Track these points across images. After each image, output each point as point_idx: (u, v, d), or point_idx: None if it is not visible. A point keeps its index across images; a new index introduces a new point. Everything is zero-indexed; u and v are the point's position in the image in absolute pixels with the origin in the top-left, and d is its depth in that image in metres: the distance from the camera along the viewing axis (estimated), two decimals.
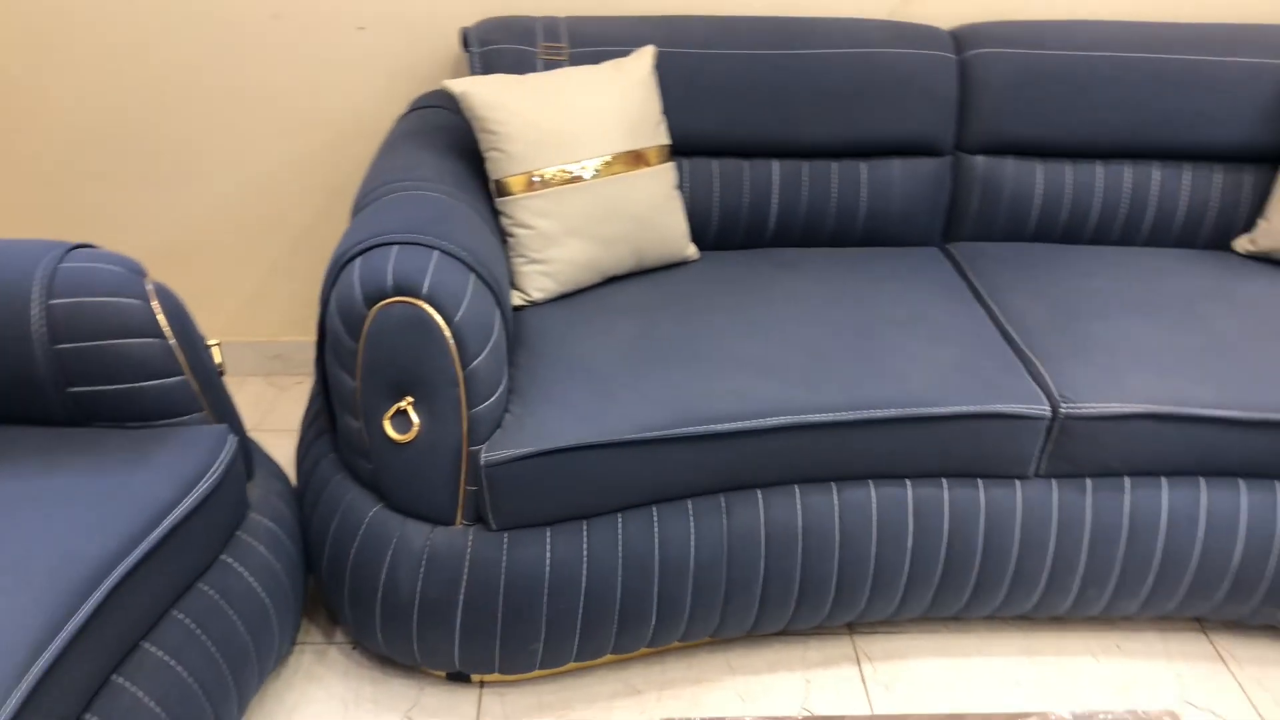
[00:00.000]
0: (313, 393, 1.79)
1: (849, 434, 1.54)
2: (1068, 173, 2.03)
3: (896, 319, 1.73)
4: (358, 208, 1.61)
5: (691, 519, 1.55)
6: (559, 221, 1.68)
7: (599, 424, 1.45)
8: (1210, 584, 1.69)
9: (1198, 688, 1.74)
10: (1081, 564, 1.67)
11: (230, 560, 1.39)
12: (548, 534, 1.49)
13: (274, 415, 2.28)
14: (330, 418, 1.59)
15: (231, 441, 1.38)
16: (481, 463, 1.42)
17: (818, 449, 1.55)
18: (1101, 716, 1.15)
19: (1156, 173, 2.04)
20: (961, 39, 2.02)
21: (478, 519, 1.50)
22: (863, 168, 2.00)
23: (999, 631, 1.82)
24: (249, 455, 1.53)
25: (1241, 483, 1.66)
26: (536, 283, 1.71)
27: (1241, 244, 2.02)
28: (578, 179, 1.69)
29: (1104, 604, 1.73)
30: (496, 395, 1.45)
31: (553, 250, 1.69)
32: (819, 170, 1.98)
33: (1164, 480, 1.66)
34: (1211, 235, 2.06)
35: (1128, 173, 2.03)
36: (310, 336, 2.39)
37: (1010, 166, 2.02)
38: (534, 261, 1.70)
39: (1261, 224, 1.97)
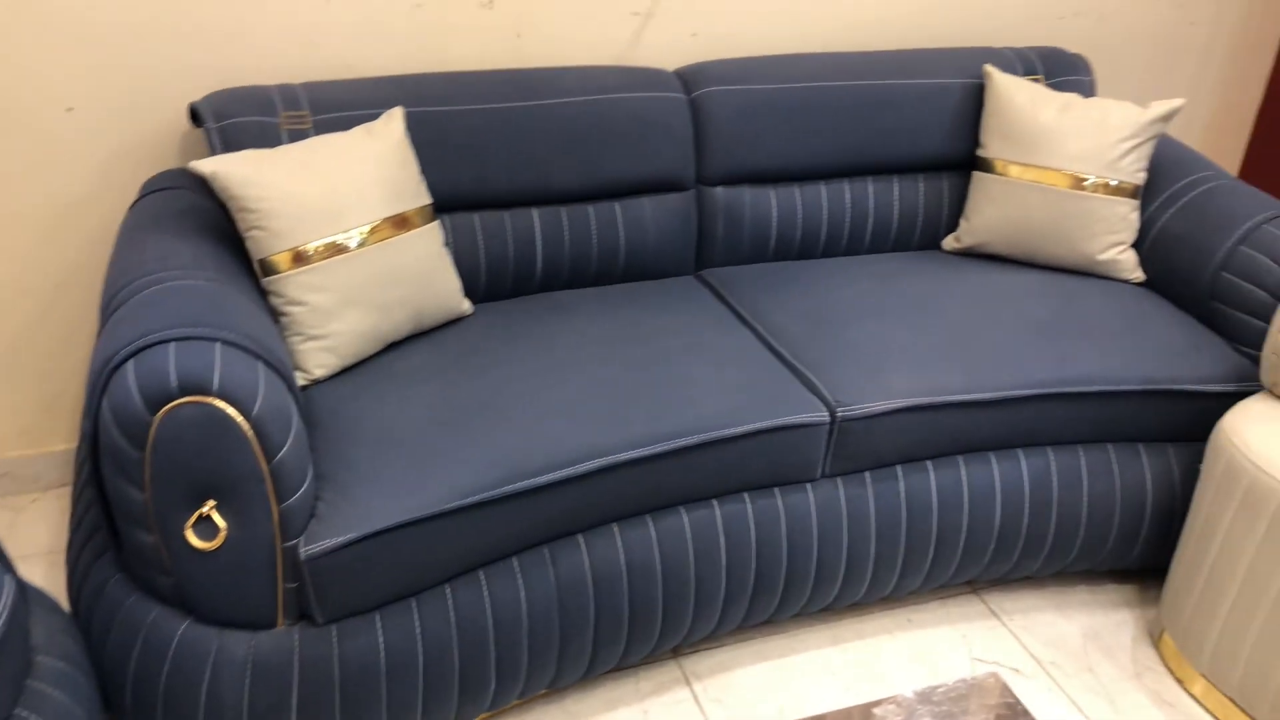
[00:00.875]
0: (77, 511, 1.62)
1: (659, 466, 1.60)
2: (797, 195, 2.20)
3: (676, 349, 1.81)
4: (110, 307, 1.48)
5: (519, 576, 1.54)
6: (333, 294, 1.63)
7: (420, 496, 1.42)
8: (979, 550, 1.88)
9: (980, 644, 1.93)
10: (872, 552, 1.81)
11: (26, 714, 1.23)
12: (377, 619, 1.44)
13: (15, 541, 2.04)
14: (112, 534, 1.45)
15: (9, 585, 1.23)
16: (301, 557, 1.35)
17: (632, 485, 1.59)
18: (940, 690, 1.26)
19: (871, 187, 2.25)
20: (688, 79, 2.15)
21: (301, 616, 1.41)
22: (617, 208, 2.07)
23: (807, 627, 1.94)
24: (25, 593, 1.36)
25: (992, 456, 1.86)
26: (318, 359, 1.64)
27: (949, 243, 2.28)
28: (345, 249, 1.65)
29: (894, 584, 1.88)
30: (306, 485, 1.38)
31: (331, 324, 1.63)
32: (577, 214, 2.04)
33: (930, 464, 1.84)
34: (923, 237, 2.30)
35: (847, 190, 2.24)
36: (41, 449, 2.15)
37: (747, 194, 2.16)
38: (312, 338, 1.63)
39: (963, 223, 2.23)
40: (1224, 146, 2.89)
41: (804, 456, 1.73)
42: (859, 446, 1.76)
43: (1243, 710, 1.75)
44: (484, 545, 1.49)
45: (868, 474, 1.81)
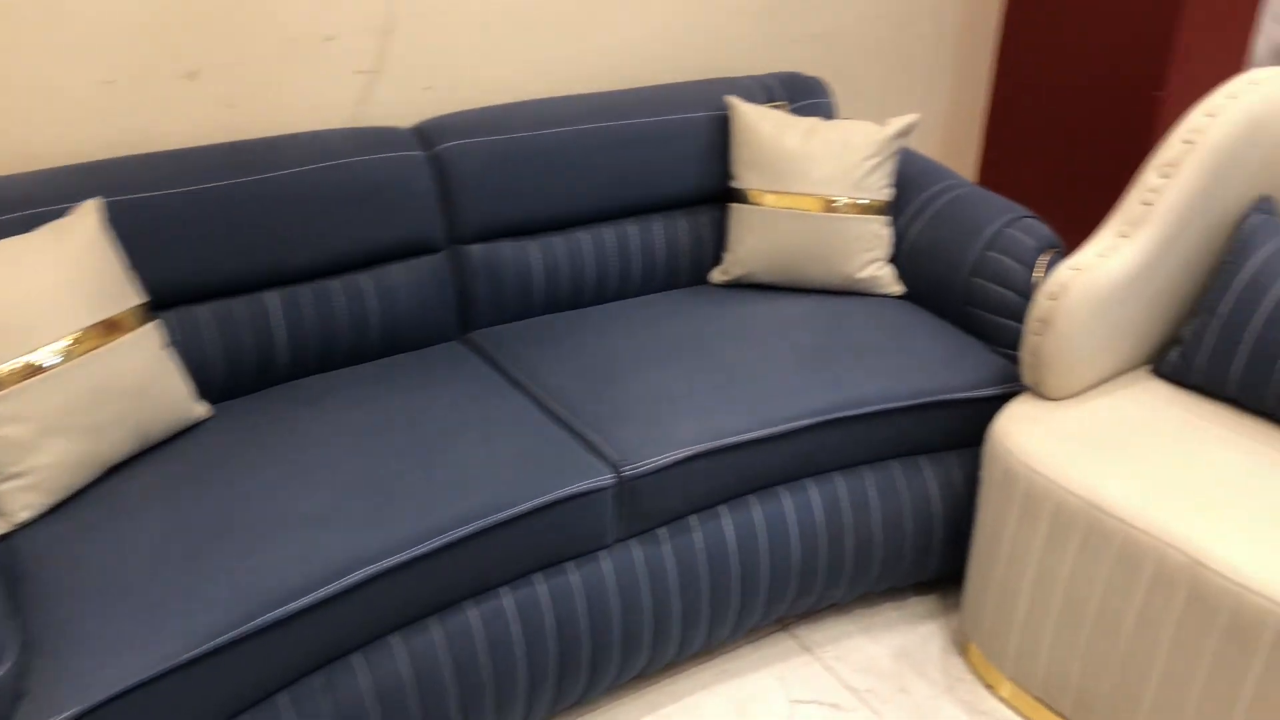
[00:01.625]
0: None
1: (435, 564, 1.46)
2: (558, 244, 2.11)
3: (445, 427, 1.68)
4: None
5: (295, 712, 1.36)
6: (30, 424, 1.40)
7: (151, 652, 1.22)
8: (782, 587, 1.84)
9: (797, 684, 1.88)
10: (677, 609, 1.74)
11: None
12: None
13: None
14: None
15: None
16: None
17: (408, 590, 1.45)
18: None
19: (632, 228, 2.20)
20: (426, 135, 2.02)
21: None
22: (364, 280, 1.92)
23: (620, 699, 1.84)
24: None
25: (782, 491, 1.82)
26: (20, 500, 1.41)
27: (717, 275, 2.25)
28: (40, 369, 1.43)
29: (704, 638, 1.81)
30: (5, 668, 1.16)
31: (32, 458, 1.41)
32: (319, 292, 1.87)
33: (723, 509, 1.78)
34: (691, 273, 2.26)
35: (609, 233, 2.17)
36: None
37: (506, 249, 2.06)
38: (10, 477, 1.40)
39: (728, 256, 2.21)
40: (961, 154, 3.02)
41: (593, 524, 1.63)
42: (650, 504, 1.68)
43: (1049, 708, 1.77)
44: (239, 690, 1.31)
45: (662, 530, 1.73)
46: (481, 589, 1.55)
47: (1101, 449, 1.68)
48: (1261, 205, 1.82)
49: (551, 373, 1.87)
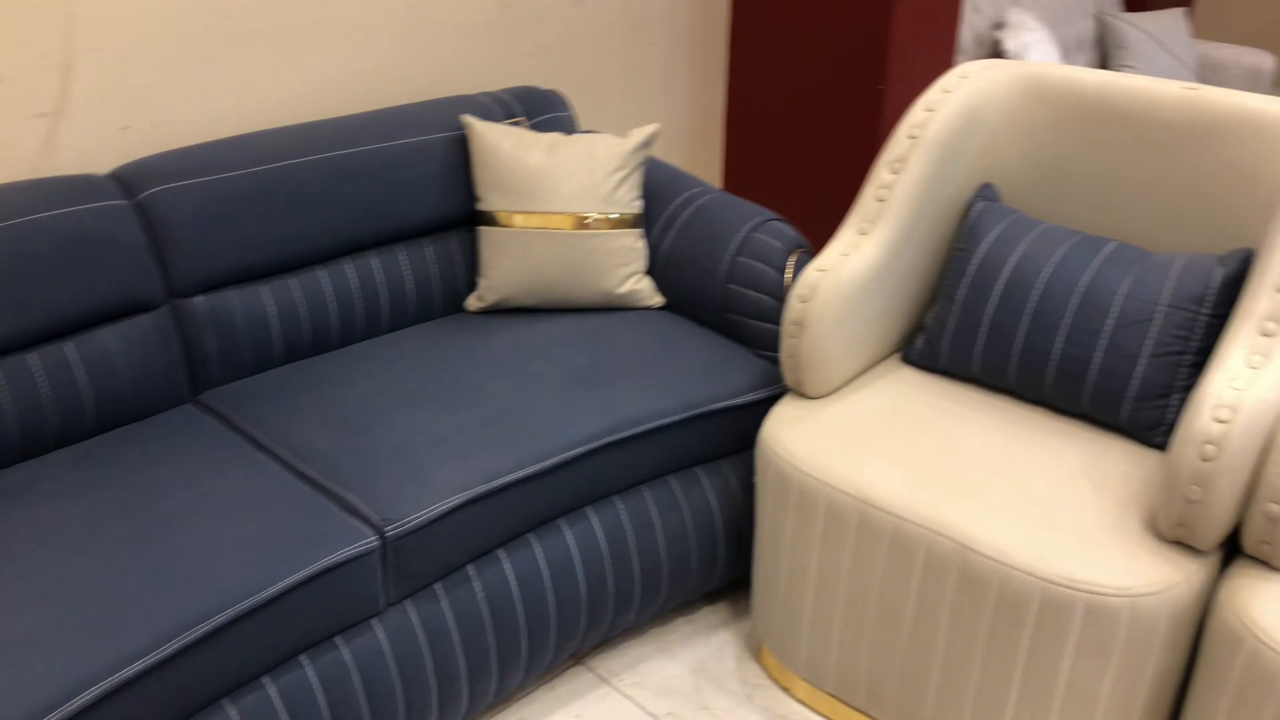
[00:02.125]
0: None
1: (182, 665, 1.29)
2: (294, 287, 1.95)
3: (178, 508, 1.50)
4: None
5: None
6: None
7: None
8: (572, 622, 1.77)
9: (597, 717, 1.82)
10: (462, 667, 1.63)
11: None
12: None
13: None
14: None
15: None
16: None
17: (149, 701, 1.27)
18: None
19: (375, 261, 2.06)
20: (128, 180, 1.82)
21: None
22: (69, 349, 1.70)
23: None
24: None
25: (562, 523, 1.76)
26: None
27: (472, 303, 2.15)
28: None
29: (494, 690, 1.72)
30: None
31: None
32: (15, 368, 1.64)
33: (501, 553, 1.69)
34: (445, 303, 2.15)
35: (350, 269, 2.03)
36: None
37: (234, 298, 1.88)
38: None
39: (482, 281, 2.11)
40: (706, 160, 3.05)
41: (361, 592, 1.51)
42: (421, 560, 1.57)
43: (843, 703, 1.80)
44: None
45: (438, 586, 1.62)
46: (240, 684, 1.39)
47: (864, 443, 1.71)
48: (983, 192, 1.91)
49: (298, 429, 1.72)
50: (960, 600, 1.56)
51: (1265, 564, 1.46)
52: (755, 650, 1.96)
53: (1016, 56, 3.20)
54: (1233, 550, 1.52)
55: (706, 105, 2.97)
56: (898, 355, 1.97)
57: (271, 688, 1.42)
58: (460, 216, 2.15)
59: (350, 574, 1.48)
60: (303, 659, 1.46)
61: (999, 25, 3.34)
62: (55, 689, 1.21)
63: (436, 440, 1.68)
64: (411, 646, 1.57)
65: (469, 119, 2.10)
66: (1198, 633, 1.51)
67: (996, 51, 3.28)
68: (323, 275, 2.00)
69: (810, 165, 2.81)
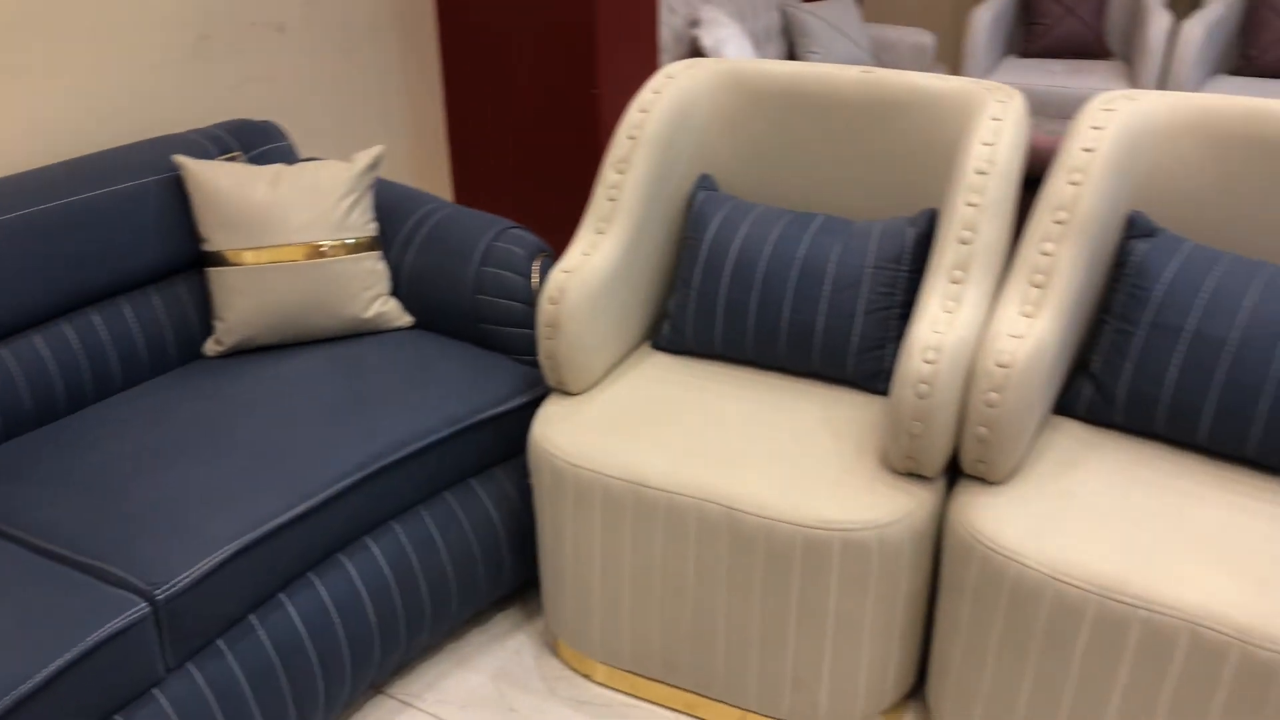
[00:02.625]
0: None
1: None
2: (5, 357, 1.81)
3: None
4: None
5: None
6: None
7: None
8: (366, 653, 1.76)
9: None
10: (259, 719, 1.59)
11: None
12: None
13: None
14: None
15: None
16: None
17: None
18: None
19: (97, 318, 1.95)
20: None
21: None
22: None
23: None
24: None
25: (342, 557, 1.74)
26: None
27: (211, 347, 2.07)
28: None
29: None
30: None
31: None
32: None
33: (283, 596, 1.65)
34: (181, 352, 2.06)
35: (69, 330, 1.91)
36: None
37: None
38: None
39: (218, 324, 2.04)
40: (435, 177, 3.06)
41: (137, 662, 1.44)
42: (198, 619, 1.51)
43: (643, 676, 1.88)
44: None
45: (220, 641, 1.57)
46: None
47: (629, 430, 1.79)
48: (702, 183, 2.04)
49: (38, 506, 1.60)
50: (734, 559, 1.68)
51: (982, 480, 1.66)
52: (552, 645, 2.02)
53: (713, 52, 3.42)
54: (956, 474, 1.73)
55: (428, 122, 2.98)
56: (649, 343, 2.07)
57: None
58: (186, 260, 2.06)
59: (123, 646, 1.40)
60: None
61: (694, 23, 3.55)
62: None
63: (197, 493, 1.62)
64: (201, 708, 1.51)
65: (181, 159, 2.02)
66: (937, 550, 1.70)
67: (695, 48, 3.49)
68: (38, 340, 1.87)
69: (538, 171, 2.89)
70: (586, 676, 1.95)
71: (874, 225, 1.90)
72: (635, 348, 2.05)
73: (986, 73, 4.39)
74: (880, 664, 1.72)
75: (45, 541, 1.54)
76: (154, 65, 2.23)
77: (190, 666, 1.53)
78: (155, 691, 1.48)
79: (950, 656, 1.68)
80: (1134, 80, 4.21)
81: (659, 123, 1.94)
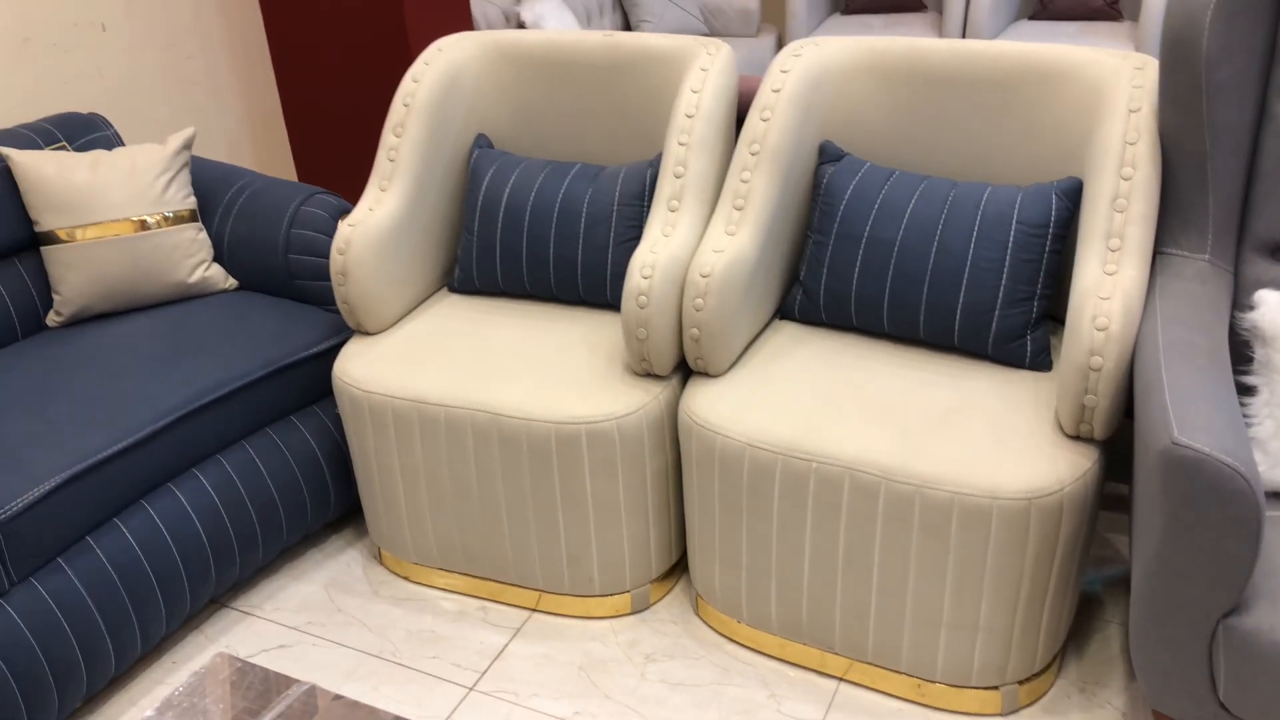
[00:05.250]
0: None
1: None
2: None
3: None
4: None
5: None
6: None
7: None
8: (202, 569, 2.03)
9: (243, 646, 2.10)
10: (103, 626, 1.86)
11: None
12: None
13: None
14: None
15: None
16: None
17: None
18: (177, 693, 1.40)
19: None
20: None
21: None
22: None
23: None
24: None
25: (172, 486, 2.00)
26: None
27: (52, 319, 2.31)
28: None
29: (140, 644, 1.95)
30: None
31: None
32: None
33: (118, 521, 1.92)
34: (26, 324, 2.30)
35: None
36: None
37: None
38: None
39: (56, 298, 2.28)
40: (275, 156, 3.30)
41: None
42: (35, 541, 1.78)
43: (450, 571, 2.19)
44: None
45: (59, 560, 1.83)
46: None
47: (416, 359, 2.09)
48: (478, 142, 2.33)
49: None
50: (505, 458, 1.99)
51: (706, 375, 1.99)
52: (377, 555, 2.31)
53: (534, 26, 3.70)
54: (690, 373, 2.05)
55: (263, 107, 3.22)
56: (446, 288, 2.36)
57: None
58: (22, 242, 2.30)
59: None
60: None
61: (519, 1, 3.82)
62: None
63: (28, 437, 1.87)
64: (48, 618, 1.78)
65: (6, 150, 2.25)
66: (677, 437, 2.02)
67: (520, 24, 3.76)
68: None
69: (361, 142, 3.15)
70: (405, 578, 2.25)
71: (620, 169, 2.20)
72: (434, 292, 2.34)
73: (809, 31, 4.73)
74: (641, 538, 2.05)
75: None
76: None
77: (34, 580, 1.79)
78: (1, 602, 1.74)
79: (692, 524, 2.01)
80: (942, 29, 4.58)
81: (430, 90, 2.22)
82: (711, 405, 1.89)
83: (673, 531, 2.11)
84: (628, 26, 4.53)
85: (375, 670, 2.02)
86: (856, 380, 1.91)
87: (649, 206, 2.15)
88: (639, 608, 2.11)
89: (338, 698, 1.44)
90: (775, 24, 4.97)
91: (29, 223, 2.30)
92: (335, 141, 3.21)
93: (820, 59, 2.07)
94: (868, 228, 1.97)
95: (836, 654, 1.93)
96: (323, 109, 3.17)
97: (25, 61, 2.53)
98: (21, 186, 2.25)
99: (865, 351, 2.00)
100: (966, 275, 1.88)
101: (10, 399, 1.99)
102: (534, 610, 2.14)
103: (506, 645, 2.06)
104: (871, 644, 1.87)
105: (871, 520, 1.77)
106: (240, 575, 2.15)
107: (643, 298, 1.91)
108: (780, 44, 4.87)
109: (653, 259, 1.92)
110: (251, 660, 2.04)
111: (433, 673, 2.01)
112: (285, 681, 1.45)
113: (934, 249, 1.91)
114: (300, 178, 3.27)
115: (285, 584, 2.26)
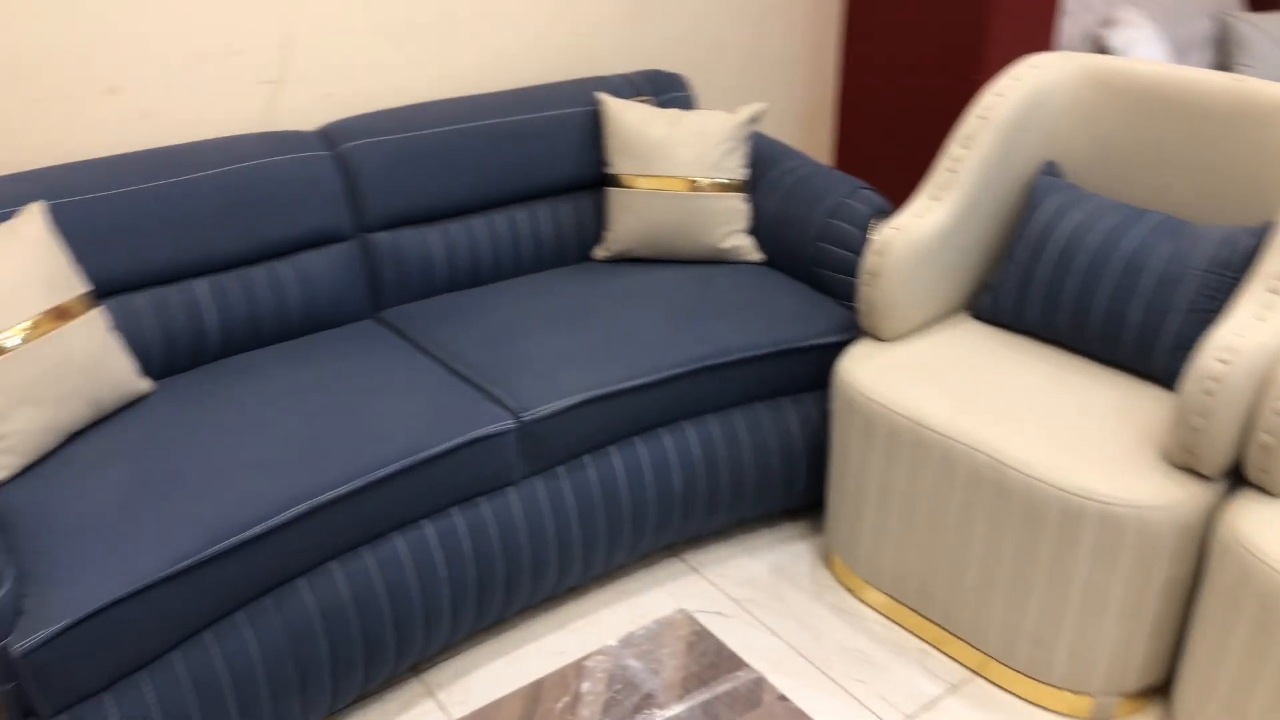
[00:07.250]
0: None
1: (363, 499, 1.70)
2: (456, 231, 2.37)
3: (364, 389, 1.92)
4: None
5: (248, 628, 1.60)
6: (2, 395, 1.60)
7: (127, 573, 1.44)
8: (669, 515, 2.13)
9: (687, 598, 2.17)
10: (578, 536, 2.01)
11: None
12: (108, 700, 1.45)
13: None
14: None
15: None
16: (16, 654, 1.34)
17: (341, 522, 1.69)
18: (639, 633, 1.46)
19: (521, 214, 2.46)
20: (332, 136, 2.26)
21: (27, 714, 1.40)
22: (283, 266, 2.14)
23: (534, 617, 2.11)
24: None
25: (663, 432, 2.11)
26: None
27: (599, 253, 2.53)
28: (4, 349, 1.62)
29: (603, 561, 2.09)
30: (5, 588, 1.37)
31: (5, 425, 1.61)
32: (244, 279, 2.09)
33: (612, 449, 2.06)
34: (577, 252, 2.54)
35: (500, 220, 2.43)
36: None
37: (409, 236, 2.30)
38: None
39: (607, 234, 2.49)
40: (817, 137, 3.36)
41: (500, 463, 1.89)
42: (547, 445, 1.95)
43: (898, 601, 2.10)
44: (203, 608, 1.53)
45: (561, 468, 2.00)
46: (406, 521, 1.80)
47: (923, 378, 2.00)
48: (1046, 168, 2.17)
49: (455, 340, 2.12)
50: (994, 509, 1.85)
51: (1264, 491, 1.70)
52: (827, 559, 2.28)
53: (1121, 53, 3.40)
54: (1242, 482, 1.76)
55: (819, 90, 3.28)
56: (968, 312, 2.25)
57: (429, 528, 1.82)
58: (593, 179, 2.53)
59: (492, 447, 1.87)
60: (453, 510, 1.86)
61: (1107, 22, 3.53)
62: (275, 502, 1.62)
63: (566, 353, 2.06)
64: (538, 514, 1.96)
65: (603, 96, 2.48)
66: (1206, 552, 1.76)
67: (1100, 48, 3.48)
68: (479, 223, 2.40)
69: (910, 143, 3.09)
70: (850, 591, 2.20)
71: (1214, 229, 1.94)
72: (953, 313, 2.24)
73: None
74: (1125, 644, 1.81)
75: (455, 364, 2.05)
76: (600, 19, 2.71)
77: (536, 480, 1.97)
78: (509, 490, 1.93)
79: (1196, 655, 1.74)
80: None
81: (1011, 107, 2.10)
82: (1269, 532, 1.61)
83: (1167, 649, 1.85)
84: (1222, 66, 4.03)
85: (802, 671, 1.99)
86: None
87: (1239, 279, 1.87)
88: (1100, 718, 1.88)
89: (782, 698, 1.42)
90: None
91: (602, 164, 2.51)
92: (880, 139, 3.19)
93: None
94: None
95: None
96: (877, 106, 3.15)
97: (635, 17, 2.76)
98: (606, 130, 2.46)
99: None
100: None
101: (557, 313, 2.19)
102: (976, 673, 1.99)
103: (941, 699, 1.94)
104: None
105: None
106: (699, 531, 2.22)
107: (1212, 383, 1.66)
108: None
109: (1237, 343, 1.66)
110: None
111: (859, 697, 1.94)
112: (736, 662, 1.45)
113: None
114: (837, 167, 3.29)
115: (735, 554, 2.30)
